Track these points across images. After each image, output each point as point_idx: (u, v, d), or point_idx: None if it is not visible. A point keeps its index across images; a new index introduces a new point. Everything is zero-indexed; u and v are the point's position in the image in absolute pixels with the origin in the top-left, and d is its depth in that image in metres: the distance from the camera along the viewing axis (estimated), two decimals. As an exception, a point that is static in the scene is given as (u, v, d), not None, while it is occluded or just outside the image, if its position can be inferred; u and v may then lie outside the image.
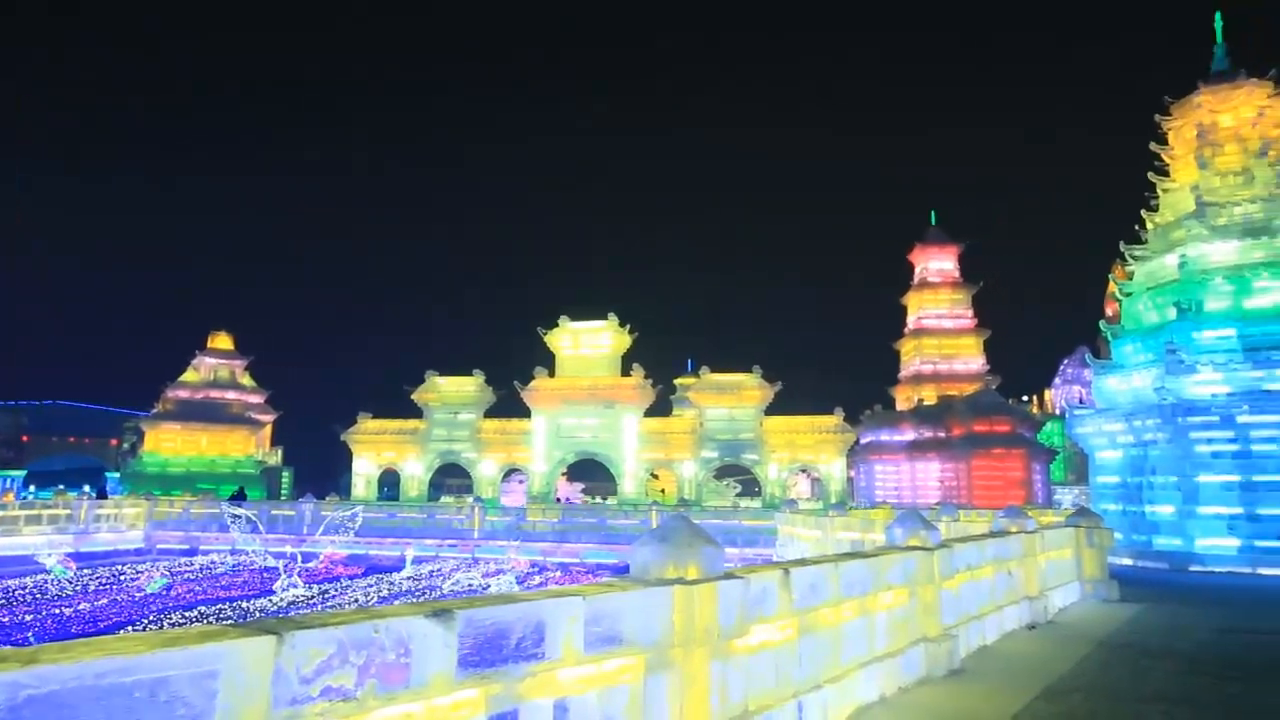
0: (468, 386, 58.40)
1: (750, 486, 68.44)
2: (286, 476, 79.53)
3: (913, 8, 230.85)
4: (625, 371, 57.01)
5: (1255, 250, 25.31)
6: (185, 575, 32.89)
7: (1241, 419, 23.37)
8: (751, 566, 6.36)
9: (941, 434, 55.94)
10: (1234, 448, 23.48)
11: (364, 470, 57.83)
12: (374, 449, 58.06)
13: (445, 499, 69.16)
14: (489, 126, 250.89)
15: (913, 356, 68.76)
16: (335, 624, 3.17)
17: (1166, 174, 28.74)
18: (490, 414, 58.51)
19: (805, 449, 55.87)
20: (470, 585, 31.08)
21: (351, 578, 33.19)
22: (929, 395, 63.83)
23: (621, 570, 5.98)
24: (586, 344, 57.54)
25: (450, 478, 75.45)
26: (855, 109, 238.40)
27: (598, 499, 74.23)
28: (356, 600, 28.31)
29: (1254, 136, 26.97)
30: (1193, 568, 22.65)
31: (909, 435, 58.50)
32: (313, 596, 28.67)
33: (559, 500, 60.55)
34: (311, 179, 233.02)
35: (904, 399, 67.30)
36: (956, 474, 53.94)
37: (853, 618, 7.28)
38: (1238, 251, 25.59)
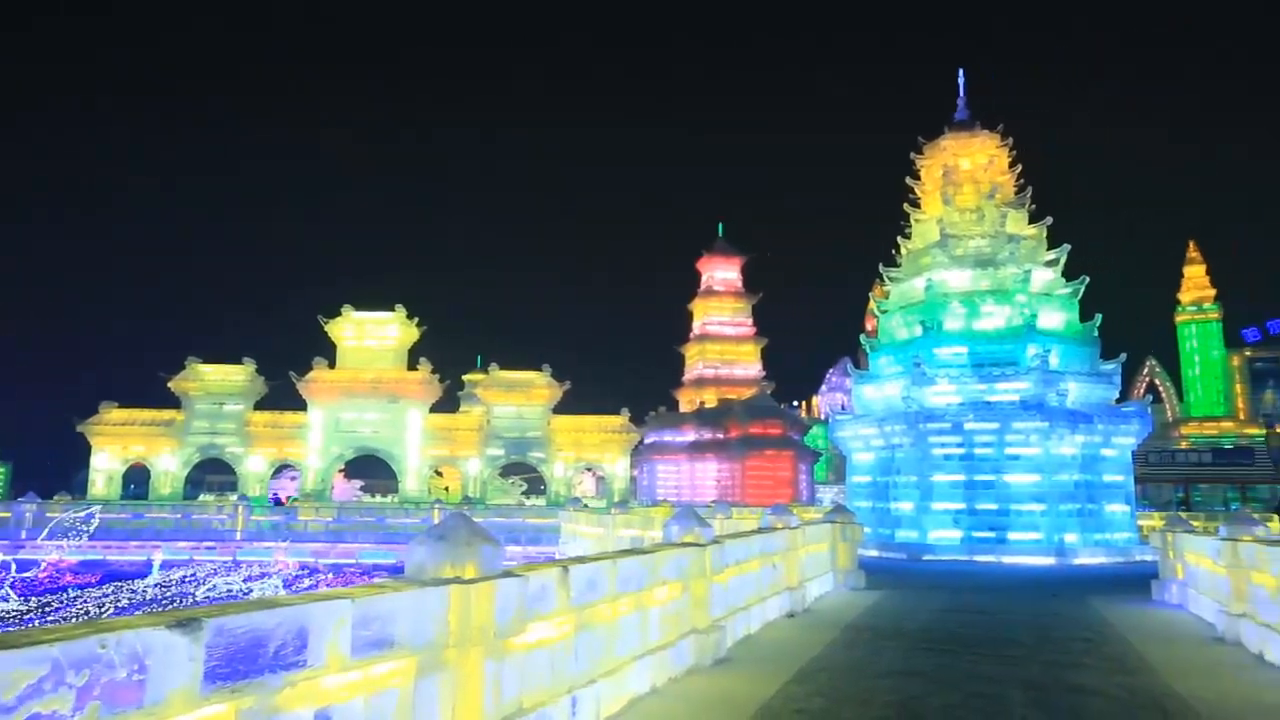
0: (236, 375, 53.88)
1: (536, 484, 68.64)
2: (2, 473, 69.01)
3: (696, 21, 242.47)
4: (412, 365, 55.20)
5: (983, 279, 29.01)
6: None
7: (968, 426, 26.69)
8: (531, 564, 6.38)
9: (720, 435, 59.17)
10: (961, 451, 26.76)
11: (105, 466, 51.57)
12: (119, 442, 51.95)
13: (205, 497, 63.30)
14: (279, 112, 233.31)
15: (696, 361, 72.18)
16: (49, 641, 2.79)
17: (918, 206, 32.22)
18: (261, 406, 54.38)
19: (591, 448, 56.89)
20: (230, 590, 28.70)
21: (82, 587, 29.46)
22: (710, 398, 67.31)
23: (399, 571, 5.81)
24: (372, 335, 55.08)
25: (213, 474, 69.31)
26: (650, 114, 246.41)
27: (378, 497, 71.28)
28: (87, 612, 25.21)
29: (985, 180, 30.93)
30: (926, 557, 25.52)
31: (690, 436, 61.34)
32: (29, 610, 25.18)
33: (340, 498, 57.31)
34: (59, 143, 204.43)
35: (687, 401, 70.46)
36: (732, 473, 57.28)
37: (629, 613, 7.52)
38: (970, 279, 29.20)
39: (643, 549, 8.80)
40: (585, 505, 32.74)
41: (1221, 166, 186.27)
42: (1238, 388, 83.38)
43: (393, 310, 55.42)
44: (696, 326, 73.38)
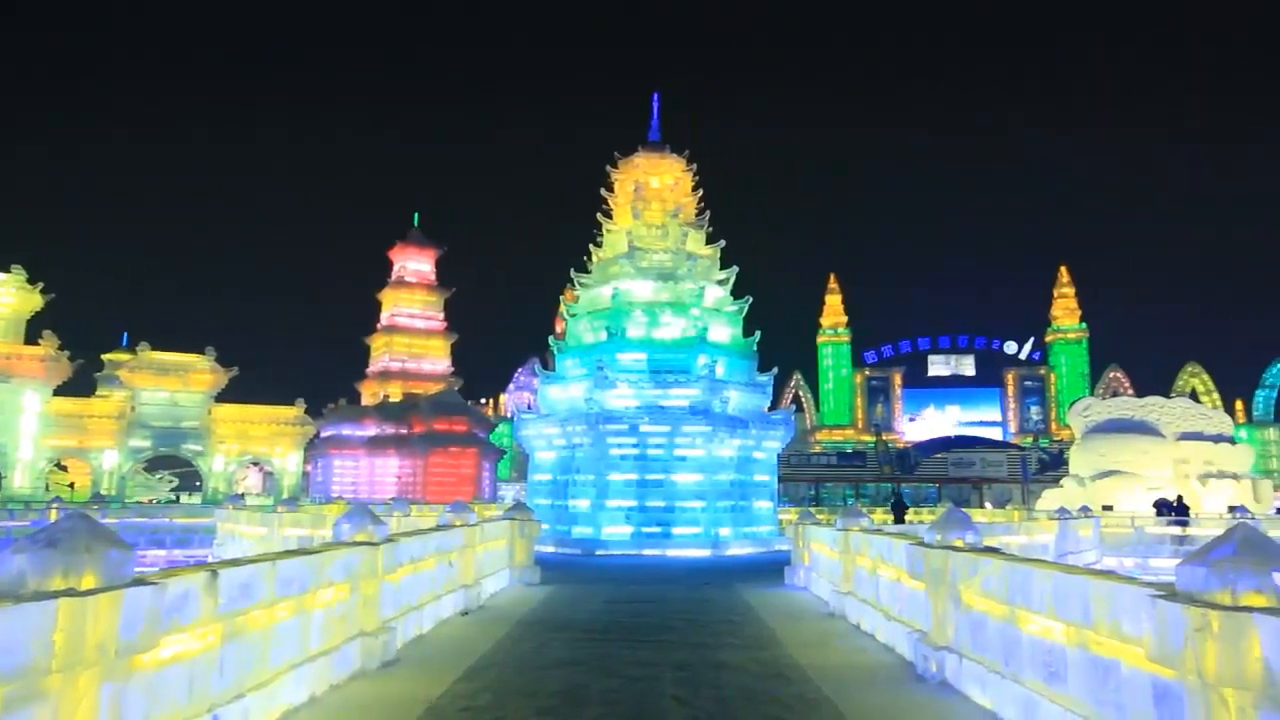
0: None
1: (192, 480, 61.36)
2: None
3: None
4: (32, 339, 46.47)
5: (664, 291, 31.28)
6: None
7: (643, 428, 28.57)
8: (172, 570, 5.71)
9: (404, 431, 57.29)
10: (635, 452, 28.56)
11: None
12: None
13: None
14: None
15: (383, 353, 69.32)
16: None
17: (610, 217, 33.89)
18: None
19: (259, 440, 52.18)
20: None
21: None
22: (395, 392, 64.97)
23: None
24: (-25, 299, 45.42)
25: None
26: (348, 97, 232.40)
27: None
28: None
29: (671, 199, 33.42)
30: (599, 552, 26.84)
31: (371, 430, 58.63)
32: None
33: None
34: None
35: (370, 394, 67.39)
36: (414, 470, 55.72)
37: (288, 618, 6.99)
38: (653, 291, 31.33)
39: (308, 549, 8.23)
40: (257, 505, 29.86)
41: (861, 204, 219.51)
42: (858, 401, 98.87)
43: (8, 271, 46.25)
44: (385, 317, 70.51)
